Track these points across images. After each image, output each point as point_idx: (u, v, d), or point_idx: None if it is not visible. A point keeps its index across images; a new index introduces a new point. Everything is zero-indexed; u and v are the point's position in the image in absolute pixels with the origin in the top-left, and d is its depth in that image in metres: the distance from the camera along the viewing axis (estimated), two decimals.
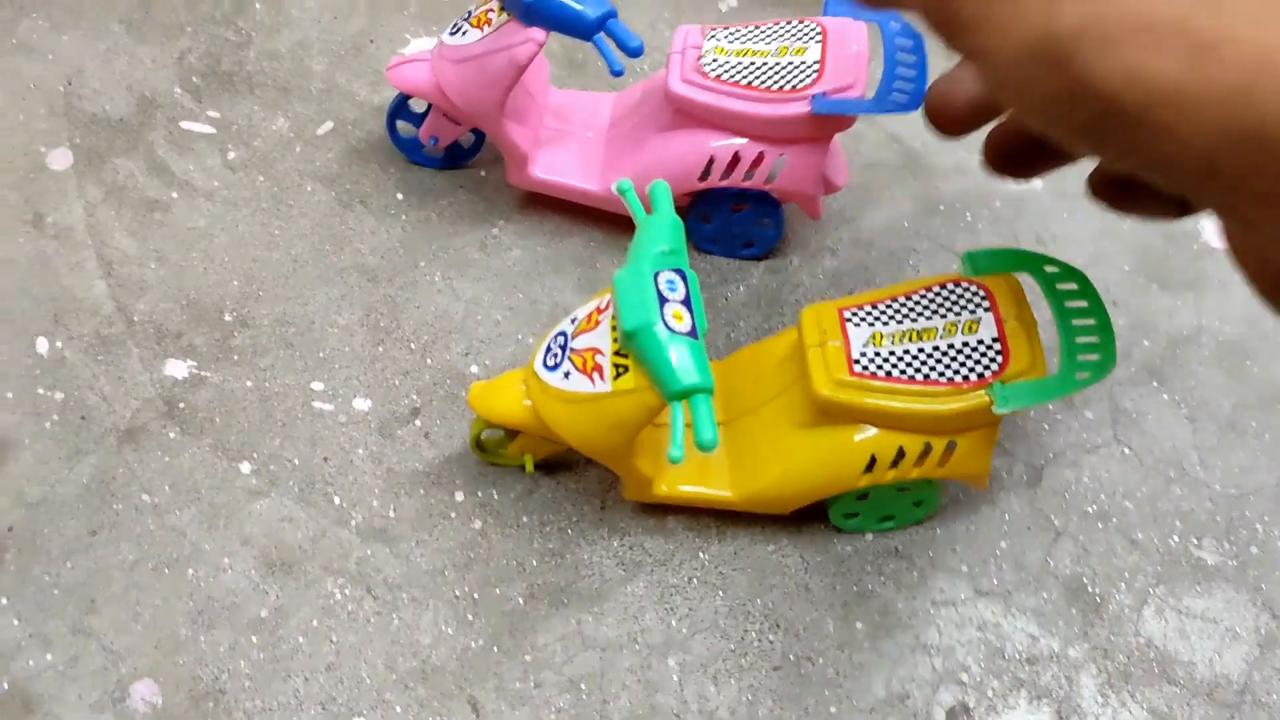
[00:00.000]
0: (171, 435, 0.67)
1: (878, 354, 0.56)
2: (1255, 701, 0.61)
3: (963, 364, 0.56)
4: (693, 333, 0.51)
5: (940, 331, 0.57)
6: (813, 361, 0.57)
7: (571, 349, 0.55)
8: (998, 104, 0.49)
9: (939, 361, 0.55)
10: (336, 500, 0.65)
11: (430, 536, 0.64)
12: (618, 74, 0.63)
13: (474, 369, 0.70)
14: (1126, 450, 0.68)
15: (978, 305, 0.57)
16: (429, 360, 0.70)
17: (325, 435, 0.67)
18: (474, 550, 0.64)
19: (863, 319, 0.57)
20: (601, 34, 0.63)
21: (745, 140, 0.68)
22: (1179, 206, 0.45)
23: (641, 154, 0.71)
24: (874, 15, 0.69)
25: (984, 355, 0.56)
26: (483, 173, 0.78)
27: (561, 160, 0.74)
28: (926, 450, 0.58)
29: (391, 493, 0.65)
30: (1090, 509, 0.66)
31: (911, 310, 0.57)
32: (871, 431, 0.58)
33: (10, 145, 0.78)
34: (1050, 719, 0.60)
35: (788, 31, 0.69)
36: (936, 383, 0.55)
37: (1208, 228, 0.77)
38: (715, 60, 0.68)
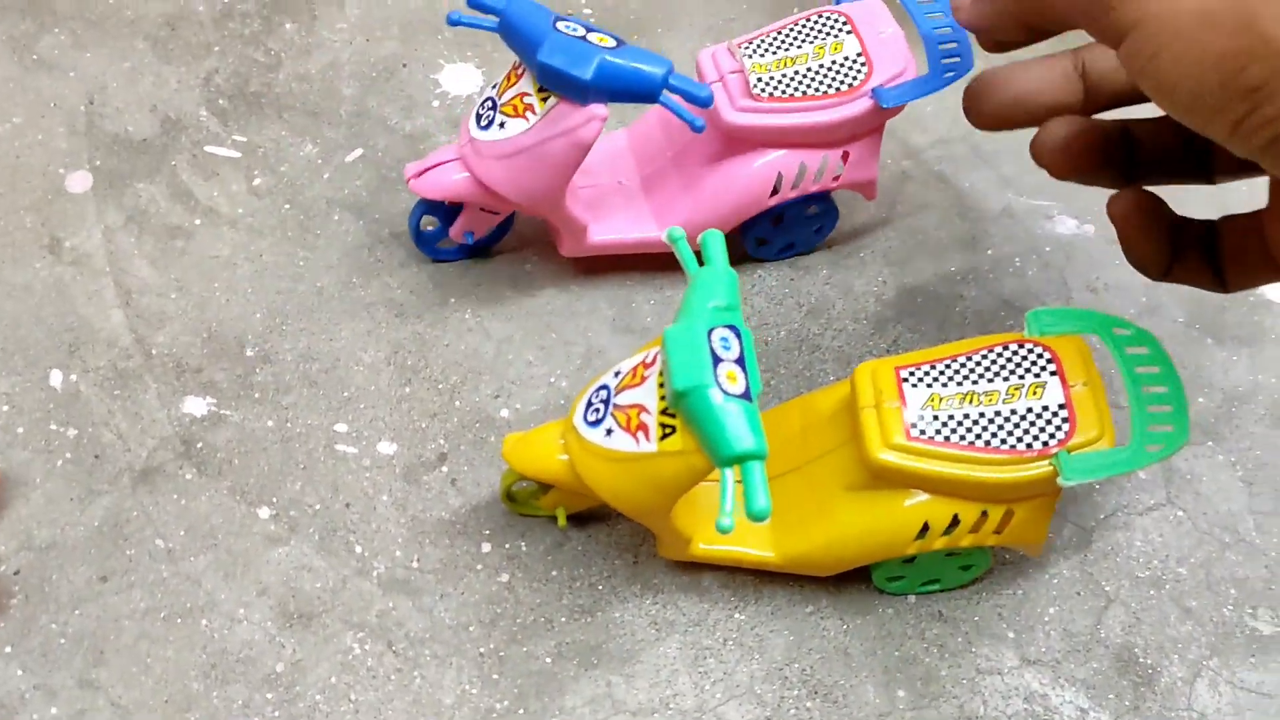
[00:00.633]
0: (188, 476, 0.65)
1: (935, 417, 0.54)
2: None
3: (1026, 431, 0.53)
4: (746, 394, 0.49)
5: (1003, 395, 0.54)
6: (867, 424, 0.54)
7: (615, 405, 0.53)
8: (1124, 90, 0.53)
9: (1000, 428, 0.53)
10: (358, 549, 0.63)
11: (455, 590, 0.62)
12: (701, 129, 0.60)
13: (504, 412, 0.68)
14: (1180, 513, 0.66)
15: (1043, 369, 0.55)
16: (457, 402, 0.68)
17: (348, 480, 0.65)
18: (500, 605, 0.61)
19: (920, 379, 0.55)
20: (666, 92, 0.60)
21: (808, 148, 0.67)
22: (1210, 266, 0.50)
23: (700, 190, 0.69)
24: None
25: (1049, 423, 0.53)
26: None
27: (609, 217, 0.71)
28: (983, 517, 0.56)
29: (416, 542, 0.63)
30: (1142, 574, 0.64)
31: (973, 372, 0.55)
32: (925, 497, 0.55)
33: (29, 165, 0.77)
34: None
35: (813, 28, 0.68)
36: (998, 450, 0.53)
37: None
38: (759, 79, 0.66)
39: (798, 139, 0.67)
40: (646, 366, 0.53)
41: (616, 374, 0.55)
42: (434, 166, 0.66)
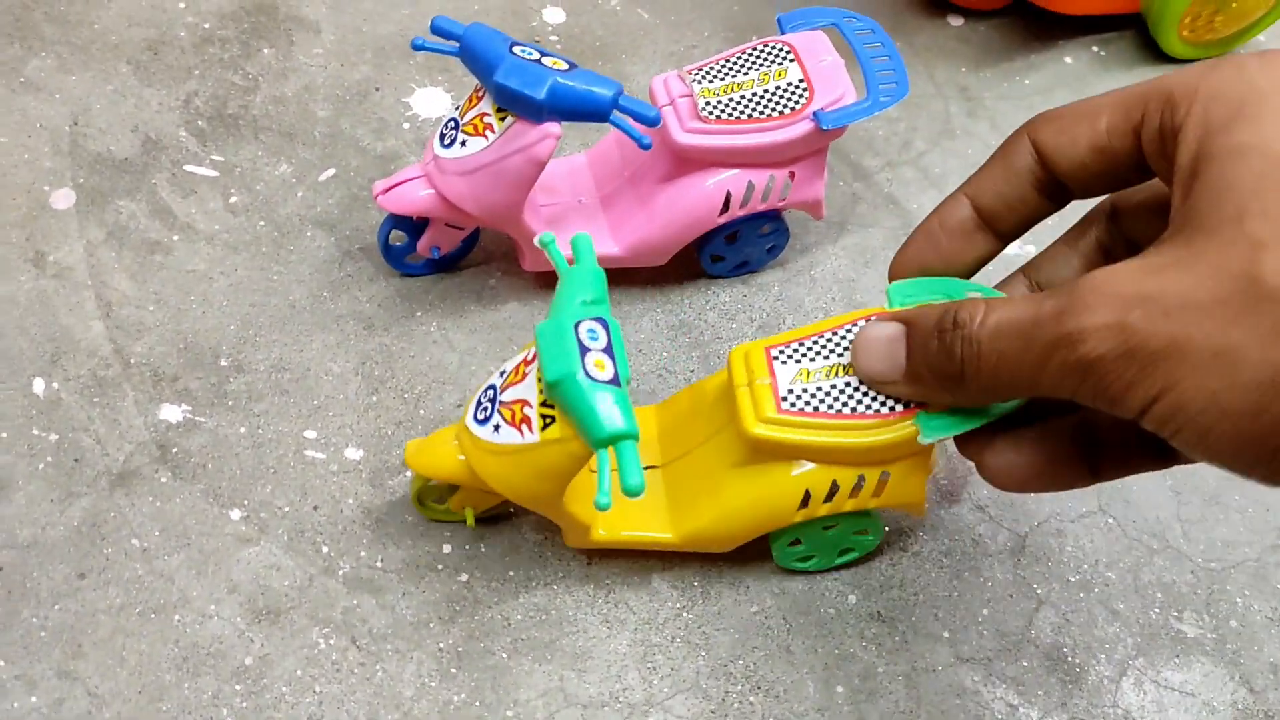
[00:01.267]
0: (164, 480, 0.67)
1: (805, 390, 0.56)
2: None
3: (889, 396, 0.56)
4: (615, 380, 0.52)
5: None
6: (742, 401, 0.57)
7: (500, 402, 0.56)
8: (1032, 214, 0.50)
9: (865, 395, 0.55)
10: (325, 549, 0.65)
11: (416, 588, 0.64)
12: (647, 147, 0.63)
13: None
14: (1111, 520, 0.69)
15: None
16: (422, 411, 0.71)
17: (316, 484, 0.68)
18: (459, 603, 0.64)
19: (790, 356, 0.58)
20: (616, 112, 0.63)
21: (755, 168, 0.71)
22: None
23: (654, 208, 0.72)
24: (829, 19, 0.73)
25: None
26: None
27: (570, 233, 0.74)
28: (860, 483, 0.58)
29: (380, 543, 0.66)
30: (1073, 578, 0.67)
31: (838, 346, 0.57)
32: (807, 466, 0.58)
33: (15, 183, 0.79)
34: None
35: (759, 56, 0.71)
36: (864, 416, 0.55)
37: None
38: (707, 103, 0.69)
39: (744, 159, 0.70)
40: (527, 364, 0.56)
41: (501, 374, 0.58)
42: (401, 183, 0.69)
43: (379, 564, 0.65)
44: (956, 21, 0.96)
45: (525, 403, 0.55)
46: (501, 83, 0.62)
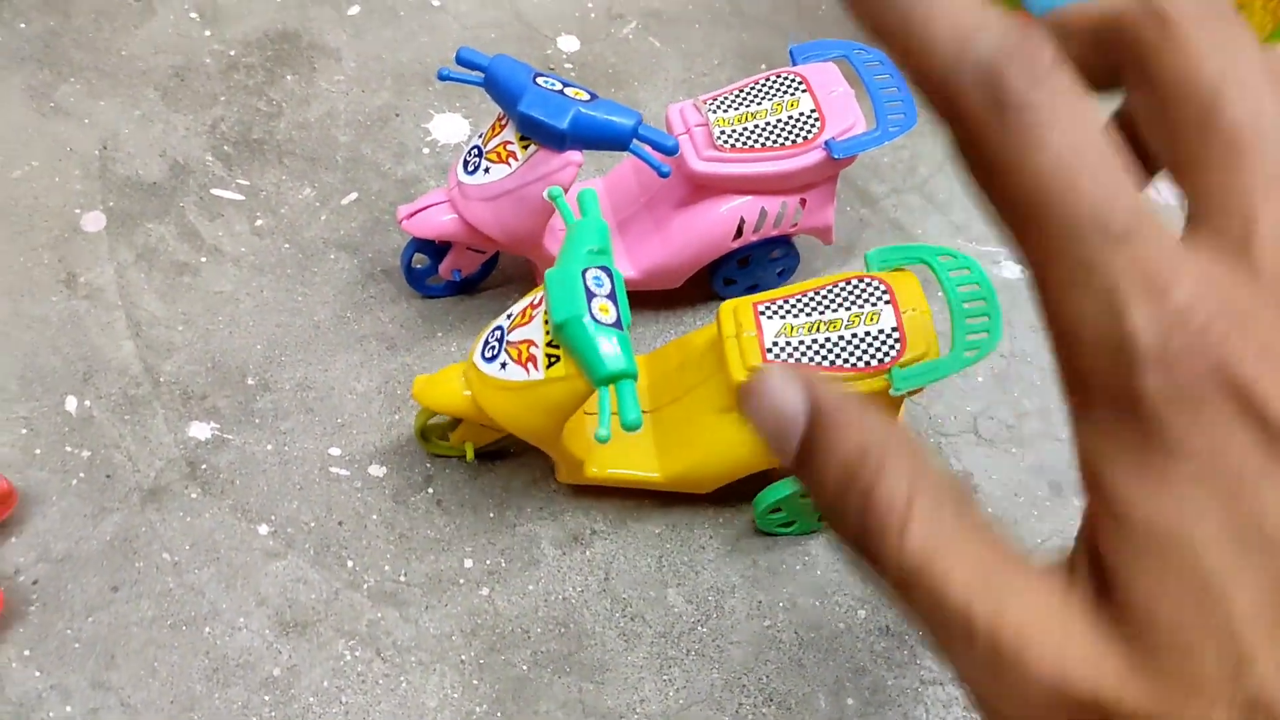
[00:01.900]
0: (193, 495, 0.69)
1: (789, 343, 0.61)
2: None
3: (865, 351, 0.61)
4: (618, 324, 0.56)
5: (845, 322, 0.62)
6: (729, 351, 0.62)
7: (508, 342, 0.60)
8: None
9: (844, 349, 0.61)
10: (350, 563, 0.67)
11: (439, 602, 0.66)
12: (666, 175, 0.66)
13: None
14: None
15: (879, 299, 0.62)
16: None
17: (341, 500, 0.70)
18: (481, 617, 0.66)
19: (775, 311, 0.62)
20: (636, 141, 0.65)
21: (768, 195, 0.73)
22: None
23: (669, 232, 0.74)
24: (839, 51, 0.76)
25: (884, 343, 0.61)
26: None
27: None
28: None
29: (403, 558, 0.68)
30: None
31: (820, 304, 0.62)
32: None
33: (47, 206, 0.81)
34: None
35: (772, 87, 0.73)
36: (842, 368, 0.60)
37: None
38: (723, 132, 0.71)
39: (758, 186, 0.72)
40: (534, 307, 0.60)
41: (508, 316, 0.62)
42: (425, 208, 0.71)
43: (403, 578, 0.67)
44: None
45: (531, 343, 0.59)
46: (525, 112, 0.64)
